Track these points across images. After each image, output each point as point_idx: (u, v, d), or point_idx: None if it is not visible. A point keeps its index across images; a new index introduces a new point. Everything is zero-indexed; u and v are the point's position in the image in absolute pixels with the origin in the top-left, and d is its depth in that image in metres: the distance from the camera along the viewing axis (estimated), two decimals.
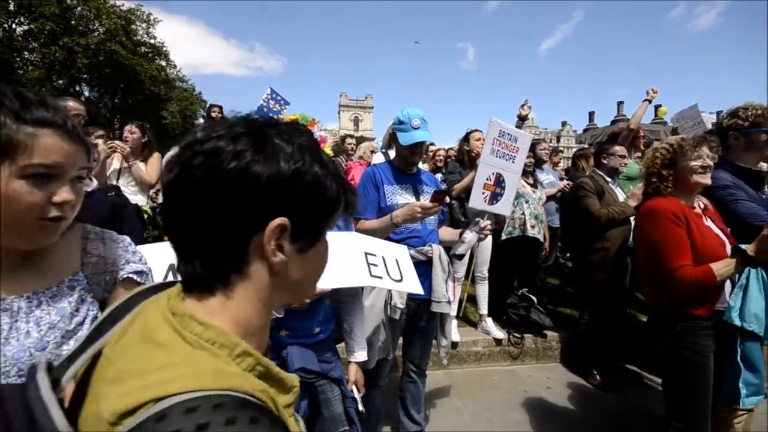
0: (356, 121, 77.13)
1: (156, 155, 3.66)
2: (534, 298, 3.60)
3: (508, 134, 2.28)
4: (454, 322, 3.56)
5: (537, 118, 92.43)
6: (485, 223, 2.07)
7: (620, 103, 79.91)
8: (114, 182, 3.27)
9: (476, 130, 3.55)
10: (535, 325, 3.57)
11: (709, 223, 1.76)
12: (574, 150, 6.22)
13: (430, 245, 2.04)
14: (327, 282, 1.30)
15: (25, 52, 21.98)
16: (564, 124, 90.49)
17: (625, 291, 3.28)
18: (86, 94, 25.62)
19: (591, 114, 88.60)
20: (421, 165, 4.23)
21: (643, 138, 4.16)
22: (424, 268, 1.98)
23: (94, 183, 2.37)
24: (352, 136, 7.14)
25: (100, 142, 3.33)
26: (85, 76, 24.21)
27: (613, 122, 69.52)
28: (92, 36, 21.99)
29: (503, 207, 2.36)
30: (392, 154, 2.25)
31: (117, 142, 3.23)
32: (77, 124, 0.74)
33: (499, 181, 2.30)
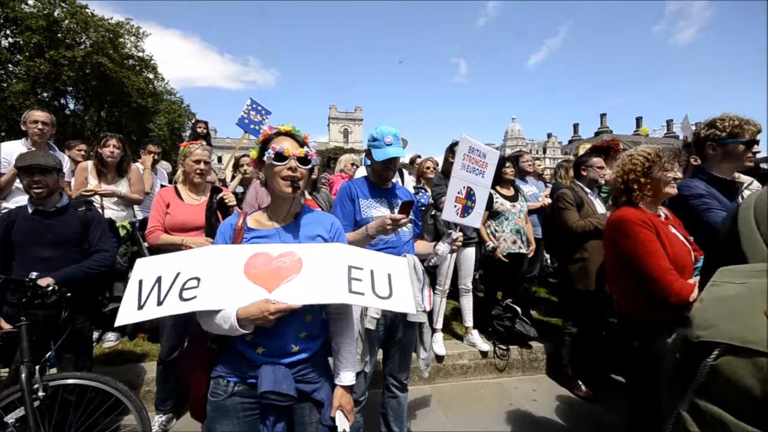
0: (346, 134, 77.30)
1: (134, 168, 3.63)
2: (518, 309, 3.60)
3: (478, 150, 2.36)
4: (440, 335, 3.53)
5: (523, 130, 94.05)
6: (457, 234, 2.13)
7: (603, 115, 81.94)
8: (99, 203, 3.31)
9: None
10: (521, 336, 3.56)
11: (674, 230, 1.83)
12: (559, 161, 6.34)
13: (405, 255, 2.04)
14: (297, 297, 1.23)
15: (10, 65, 21.71)
16: (549, 135, 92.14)
17: (607, 300, 3.31)
18: (71, 107, 25.34)
19: (575, 126, 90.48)
20: (408, 176, 4.30)
21: (622, 150, 4.29)
22: None
23: (65, 198, 2.31)
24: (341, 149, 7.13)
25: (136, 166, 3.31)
26: (71, 88, 23.96)
27: (597, 134, 71.10)
28: (79, 49, 21.81)
29: (474, 219, 2.41)
30: None
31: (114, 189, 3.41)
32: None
33: (470, 195, 2.35)
